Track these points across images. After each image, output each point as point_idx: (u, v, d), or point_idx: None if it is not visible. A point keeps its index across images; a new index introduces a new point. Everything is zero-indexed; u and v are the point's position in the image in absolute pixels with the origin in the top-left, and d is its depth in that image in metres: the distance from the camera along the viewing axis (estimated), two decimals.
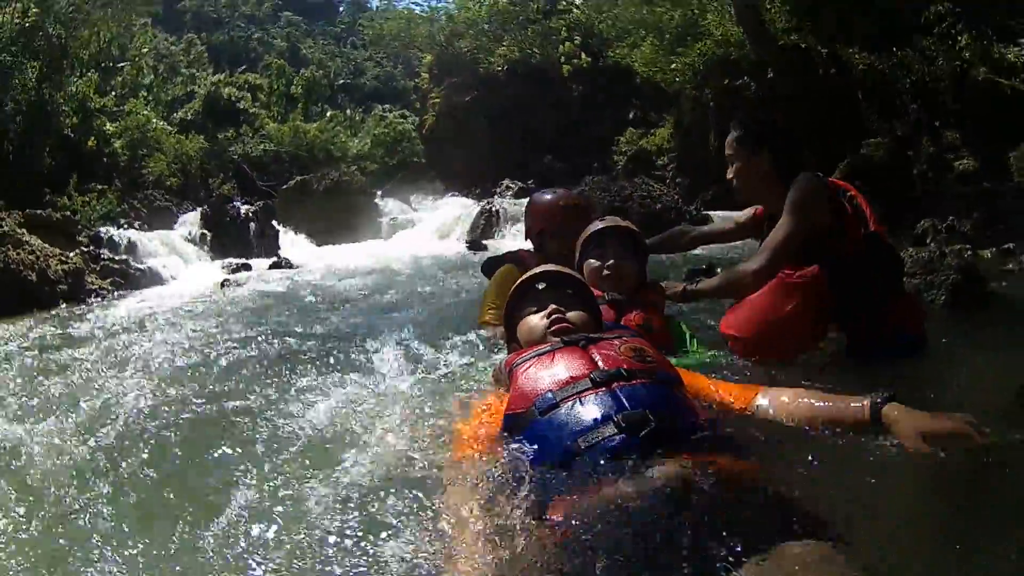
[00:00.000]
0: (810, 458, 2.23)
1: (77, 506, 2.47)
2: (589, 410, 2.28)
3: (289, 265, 13.43)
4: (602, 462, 2.10)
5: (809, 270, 3.32)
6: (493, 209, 18.90)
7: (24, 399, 4.03)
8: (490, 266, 4.90)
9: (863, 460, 2.23)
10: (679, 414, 2.33)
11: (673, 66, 18.63)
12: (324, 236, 17.99)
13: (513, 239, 16.43)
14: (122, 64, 23.90)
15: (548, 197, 4.61)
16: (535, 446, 2.30)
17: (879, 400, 2.32)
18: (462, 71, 31.65)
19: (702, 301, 4.24)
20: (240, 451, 2.85)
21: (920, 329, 3.72)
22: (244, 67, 39.56)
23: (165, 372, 4.56)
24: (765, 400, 2.59)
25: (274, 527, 2.19)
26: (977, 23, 11.10)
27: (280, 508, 2.32)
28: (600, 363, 2.46)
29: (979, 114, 10.85)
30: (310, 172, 24.43)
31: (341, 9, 64.65)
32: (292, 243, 17.29)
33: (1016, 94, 10.27)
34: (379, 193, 24.46)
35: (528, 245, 4.77)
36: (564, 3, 32.20)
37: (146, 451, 2.98)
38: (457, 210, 20.96)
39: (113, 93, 22.60)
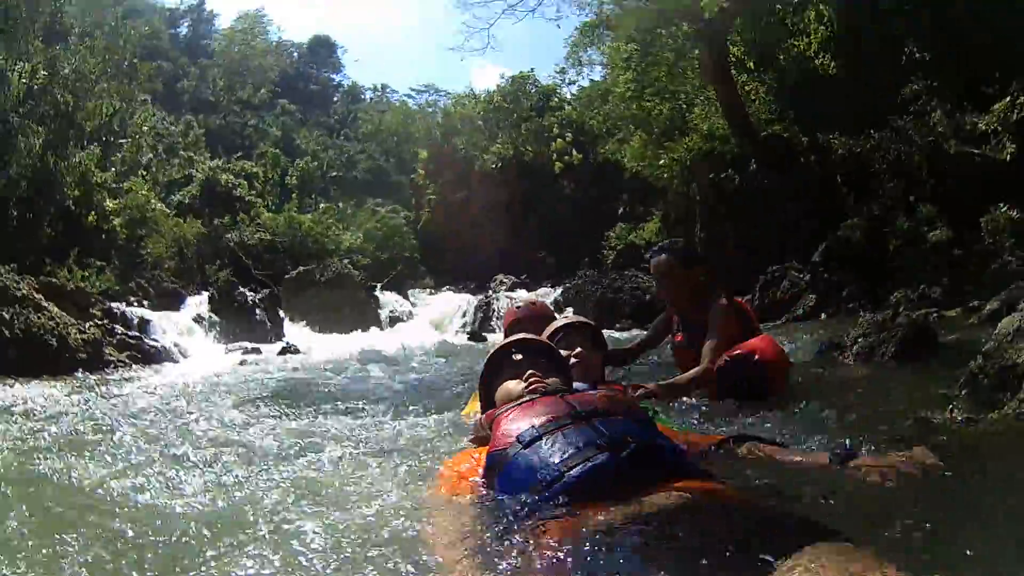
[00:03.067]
0: (781, 482, 2.42)
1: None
2: (571, 439, 2.34)
3: (296, 351, 13.77)
4: (588, 485, 2.16)
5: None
6: (490, 303, 19.63)
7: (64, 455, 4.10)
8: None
9: (834, 484, 2.38)
10: (657, 438, 2.43)
11: (661, 161, 19.18)
12: (325, 325, 18.34)
13: None
14: (123, 140, 24.04)
15: (516, 307, 5.25)
16: (519, 476, 2.35)
17: (837, 457, 2.49)
18: (457, 167, 32.59)
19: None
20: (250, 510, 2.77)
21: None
22: (239, 153, 39.50)
23: (197, 441, 4.64)
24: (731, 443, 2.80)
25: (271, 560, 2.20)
26: (949, 95, 11.87)
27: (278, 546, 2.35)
28: (578, 405, 2.55)
29: (952, 185, 11.51)
30: (303, 263, 24.65)
31: (336, 99, 65.28)
32: (295, 330, 17.65)
33: (986, 161, 10.90)
34: (378, 286, 24.99)
35: None
36: (556, 100, 33.48)
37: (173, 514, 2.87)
38: (452, 304, 21.63)
39: (113, 169, 22.67)
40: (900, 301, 9.92)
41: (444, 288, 28.48)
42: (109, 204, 21.07)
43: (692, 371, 4.65)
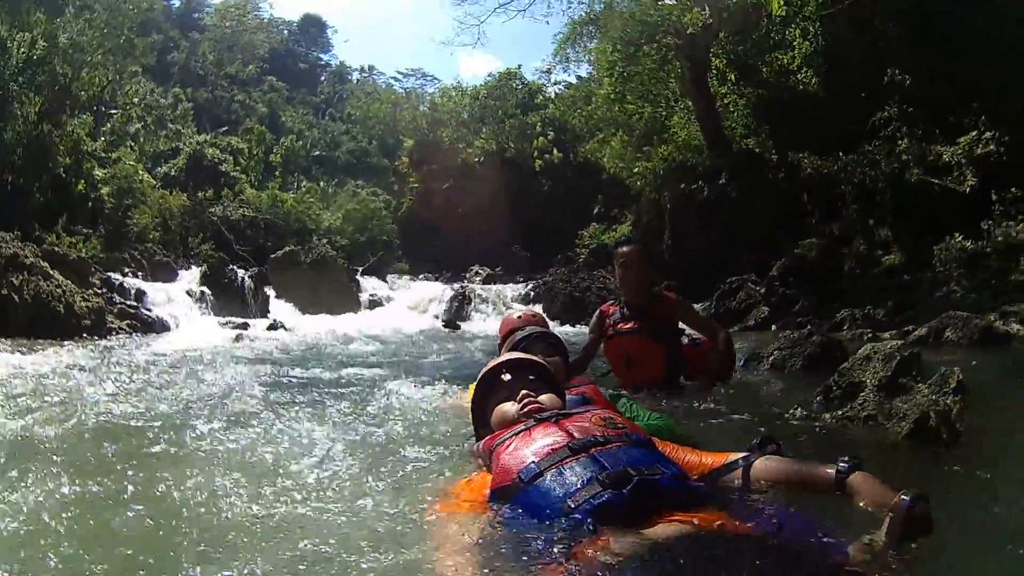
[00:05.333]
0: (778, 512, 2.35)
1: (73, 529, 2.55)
2: (573, 474, 2.33)
3: (283, 327, 14.51)
4: (592, 520, 2.15)
5: None
6: (465, 292, 20.55)
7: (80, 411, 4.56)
8: None
9: (834, 516, 2.30)
10: (659, 466, 2.38)
11: (636, 169, 19.85)
12: (308, 304, 19.00)
13: (482, 321, 17.97)
14: (113, 111, 24.52)
15: (516, 316, 5.60)
16: (524, 512, 2.35)
17: (842, 470, 2.36)
18: (441, 158, 33.10)
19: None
20: (242, 492, 2.95)
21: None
22: (225, 128, 39.06)
23: (195, 404, 5.11)
24: (736, 456, 2.64)
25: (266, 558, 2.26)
26: (920, 123, 12.13)
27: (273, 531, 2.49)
28: (575, 434, 2.53)
29: (911, 212, 11.90)
30: (284, 241, 25.59)
31: (323, 79, 64.92)
32: (280, 308, 18.32)
33: (944, 192, 11.28)
34: (359, 270, 25.60)
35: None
36: (541, 98, 34.09)
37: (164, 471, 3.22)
38: (429, 291, 22.43)
39: (103, 139, 23.04)
40: (845, 320, 10.57)
41: (420, 276, 29.07)
42: (98, 173, 21.53)
43: (723, 337, 5.60)
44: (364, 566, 2.15)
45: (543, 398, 2.94)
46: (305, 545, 2.34)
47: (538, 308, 15.71)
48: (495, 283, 23.42)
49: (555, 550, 2.07)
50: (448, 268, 28.93)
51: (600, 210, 27.24)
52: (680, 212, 18.03)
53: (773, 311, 12.63)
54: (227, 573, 2.12)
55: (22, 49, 18.16)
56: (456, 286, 21.84)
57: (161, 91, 37.07)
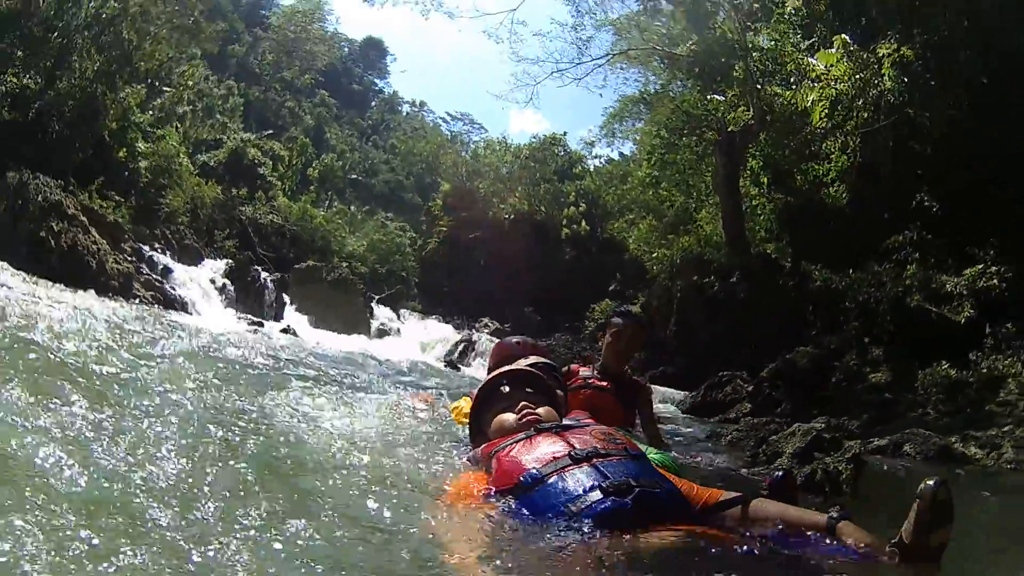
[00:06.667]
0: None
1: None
2: (574, 481, 2.37)
3: (295, 333, 15.08)
4: (593, 525, 2.20)
5: None
6: (472, 339, 21.20)
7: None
8: None
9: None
10: (658, 480, 2.46)
11: (654, 254, 20.52)
12: (321, 320, 19.52)
13: (481, 368, 18.52)
14: (166, 89, 24.14)
15: (512, 340, 5.70)
16: (525, 511, 2.40)
17: (834, 517, 2.35)
18: (473, 209, 33.62)
19: None
20: (248, 477, 2.71)
21: None
22: (270, 131, 38.29)
23: (209, 384, 4.71)
24: (732, 494, 2.63)
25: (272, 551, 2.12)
26: (934, 252, 12.49)
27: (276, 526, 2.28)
28: (577, 445, 2.56)
29: (905, 334, 12.13)
30: (306, 256, 25.74)
31: (373, 104, 64.70)
32: (293, 316, 18.91)
33: (941, 320, 11.62)
34: (375, 299, 26.21)
35: None
36: (579, 168, 34.93)
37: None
38: (438, 331, 23.21)
39: (151, 113, 22.88)
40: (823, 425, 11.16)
41: (432, 316, 29.38)
42: (141, 146, 21.43)
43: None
44: (364, 565, 2.10)
45: (541, 410, 2.98)
46: (304, 543, 2.20)
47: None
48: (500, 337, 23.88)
49: (556, 549, 2.13)
50: (459, 315, 29.41)
51: (616, 287, 27.67)
52: (690, 301, 18.48)
53: (755, 409, 12.77)
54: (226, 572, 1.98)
55: (93, 3, 18.51)
56: (465, 332, 22.47)
57: (216, 80, 37.02)
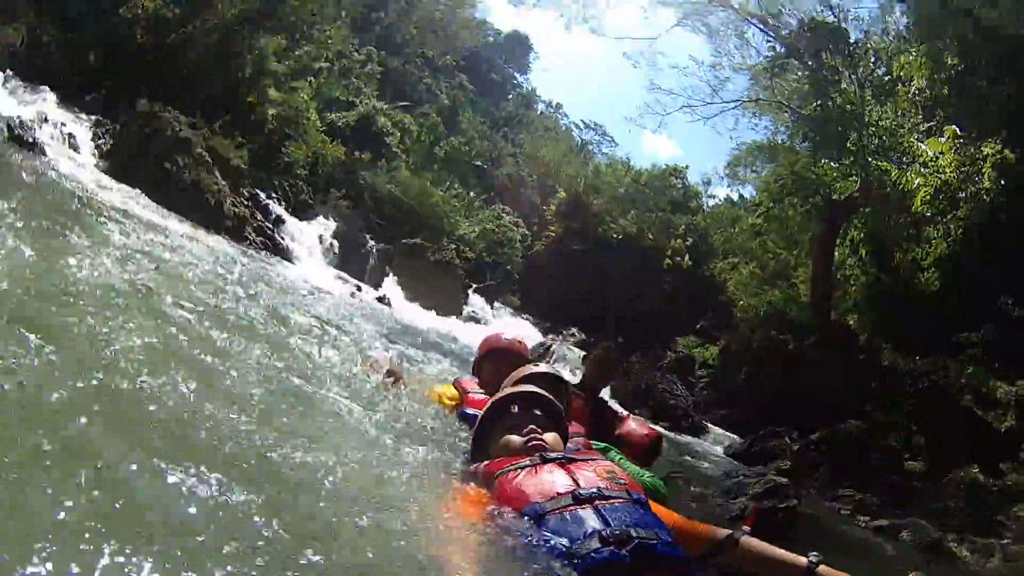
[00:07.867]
0: None
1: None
2: (576, 523, 2.36)
3: (389, 303, 15.95)
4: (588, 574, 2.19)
5: None
6: (550, 346, 21.63)
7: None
8: None
9: None
10: (657, 531, 2.42)
11: (741, 302, 21.00)
12: (417, 296, 20.19)
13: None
14: (306, 45, 24.03)
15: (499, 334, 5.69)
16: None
17: (814, 561, 2.50)
18: (585, 221, 34.25)
19: None
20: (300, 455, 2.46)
21: None
22: (405, 104, 38.04)
23: (306, 335, 4.91)
24: (723, 533, 2.72)
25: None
26: (998, 354, 12.65)
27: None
28: (581, 482, 2.54)
29: (951, 429, 12.52)
30: (418, 232, 25.70)
31: (510, 97, 64.46)
32: (391, 287, 19.59)
33: (982, 423, 11.90)
34: (474, 287, 26.70)
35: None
36: (694, 204, 35.40)
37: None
38: (524, 331, 23.19)
39: (288, 64, 22.48)
40: (846, 495, 11.59)
41: (524, 315, 30.24)
42: (272, 92, 21.07)
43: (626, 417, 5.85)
44: (364, 564, 2.01)
45: (547, 437, 2.92)
46: (305, 540, 1.98)
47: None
48: (583, 349, 24.54)
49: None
50: (549, 319, 30.13)
51: (703, 325, 27.99)
52: (764, 353, 18.92)
53: (794, 465, 13.27)
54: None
55: None
56: (549, 337, 23.07)
57: (357, 43, 36.70)
